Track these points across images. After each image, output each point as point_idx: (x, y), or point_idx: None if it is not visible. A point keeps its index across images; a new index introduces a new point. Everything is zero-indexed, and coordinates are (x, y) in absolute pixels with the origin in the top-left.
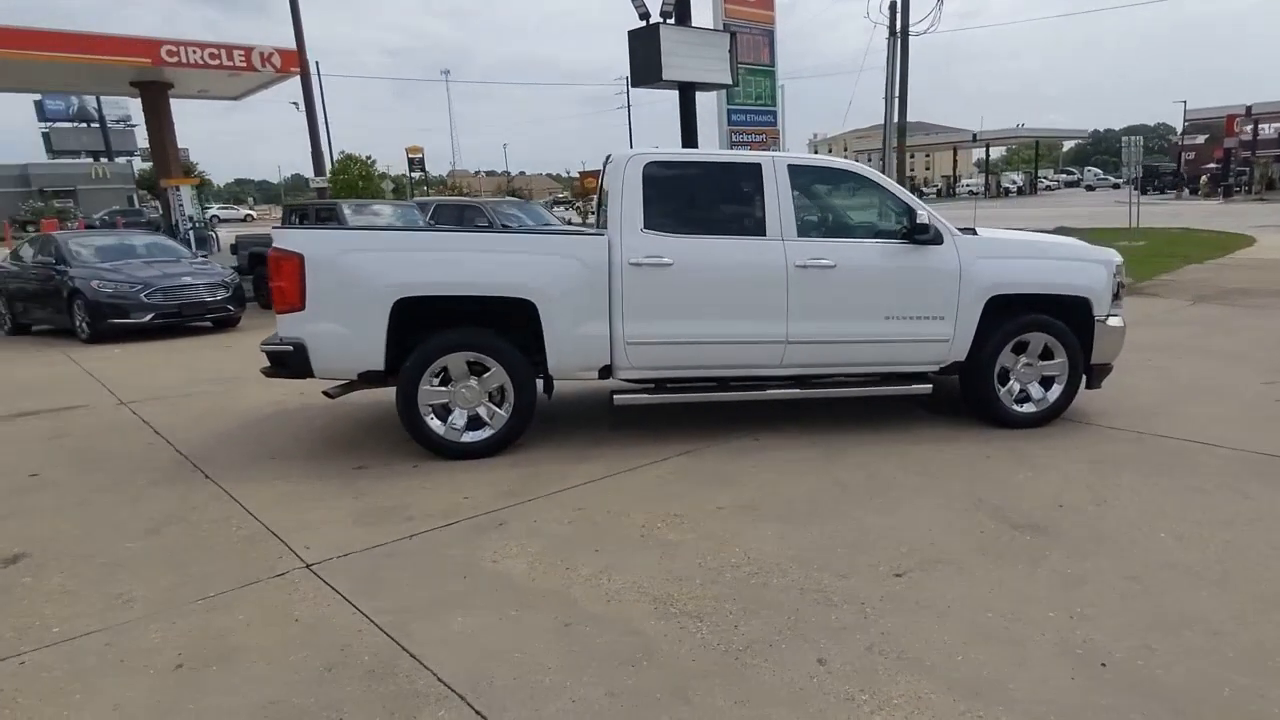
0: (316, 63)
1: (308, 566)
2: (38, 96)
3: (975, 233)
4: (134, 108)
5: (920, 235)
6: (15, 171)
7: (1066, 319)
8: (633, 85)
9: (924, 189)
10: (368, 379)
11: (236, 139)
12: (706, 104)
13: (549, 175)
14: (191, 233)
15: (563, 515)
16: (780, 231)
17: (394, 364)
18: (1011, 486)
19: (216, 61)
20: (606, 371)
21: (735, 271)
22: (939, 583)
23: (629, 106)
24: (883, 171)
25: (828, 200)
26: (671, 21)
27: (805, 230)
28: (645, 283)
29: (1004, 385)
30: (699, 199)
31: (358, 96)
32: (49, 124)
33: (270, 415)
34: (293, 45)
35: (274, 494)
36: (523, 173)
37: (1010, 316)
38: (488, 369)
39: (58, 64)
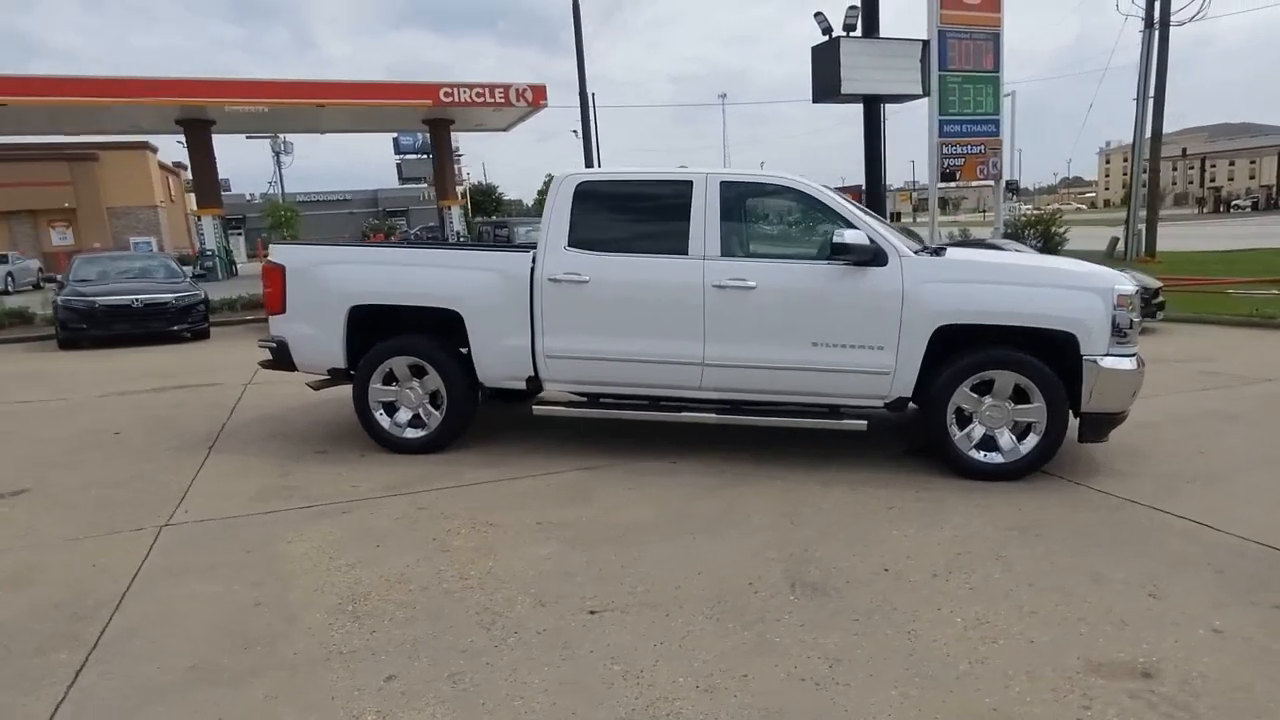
0: (593, 94)
1: (161, 526)
2: (395, 134)
3: (942, 253)
4: (459, 141)
5: (842, 255)
6: (368, 195)
7: (1049, 356)
8: (813, 101)
9: (1238, 201)
10: (336, 375)
11: (547, 163)
12: (917, 117)
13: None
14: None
15: (400, 512)
16: (703, 250)
17: (356, 363)
18: (868, 541)
19: (481, 99)
20: (534, 382)
21: (650, 290)
22: (618, 627)
23: (882, 120)
24: (1130, 184)
25: (766, 218)
26: (856, 34)
27: (733, 249)
28: (563, 299)
29: (963, 429)
30: (627, 218)
31: (642, 122)
32: (401, 156)
33: (317, 404)
34: (543, 82)
35: (232, 465)
36: None
37: (975, 350)
38: (427, 373)
39: (367, 109)
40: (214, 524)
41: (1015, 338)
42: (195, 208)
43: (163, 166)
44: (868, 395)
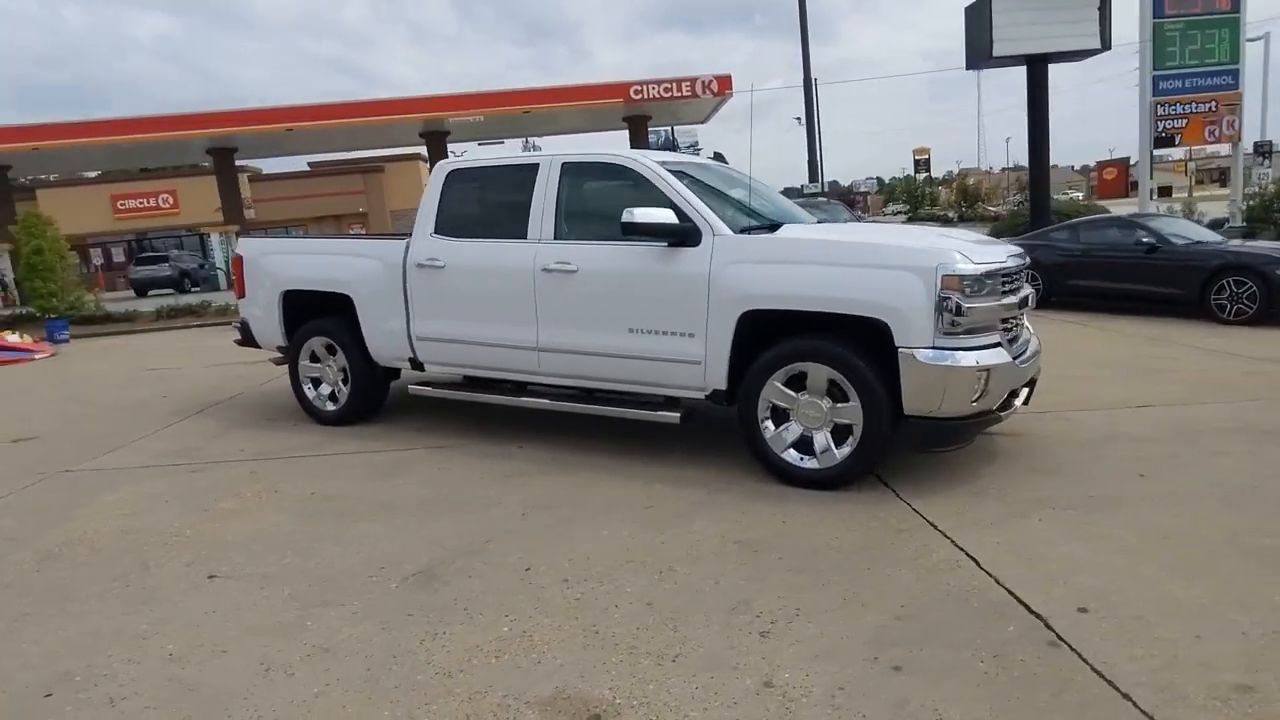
0: (815, 79)
1: (62, 471)
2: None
3: (775, 229)
4: (700, 134)
5: (633, 236)
6: None
7: (877, 349)
8: (966, 68)
9: None
10: (283, 351)
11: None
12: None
13: (1074, 168)
14: None
15: (232, 475)
16: (539, 233)
17: None
18: (559, 539)
19: (669, 94)
20: (414, 363)
21: (492, 275)
22: (212, 593)
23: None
24: None
25: (607, 199)
26: None
27: (565, 233)
28: (426, 283)
29: (779, 426)
30: (486, 204)
31: (892, 101)
32: None
33: None
34: (728, 72)
35: (186, 428)
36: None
37: (789, 340)
38: (337, 352)
39: (568, 111)
40: (89, 473)
41: (836, 326)
42: None
43: None
44: (685, 386)
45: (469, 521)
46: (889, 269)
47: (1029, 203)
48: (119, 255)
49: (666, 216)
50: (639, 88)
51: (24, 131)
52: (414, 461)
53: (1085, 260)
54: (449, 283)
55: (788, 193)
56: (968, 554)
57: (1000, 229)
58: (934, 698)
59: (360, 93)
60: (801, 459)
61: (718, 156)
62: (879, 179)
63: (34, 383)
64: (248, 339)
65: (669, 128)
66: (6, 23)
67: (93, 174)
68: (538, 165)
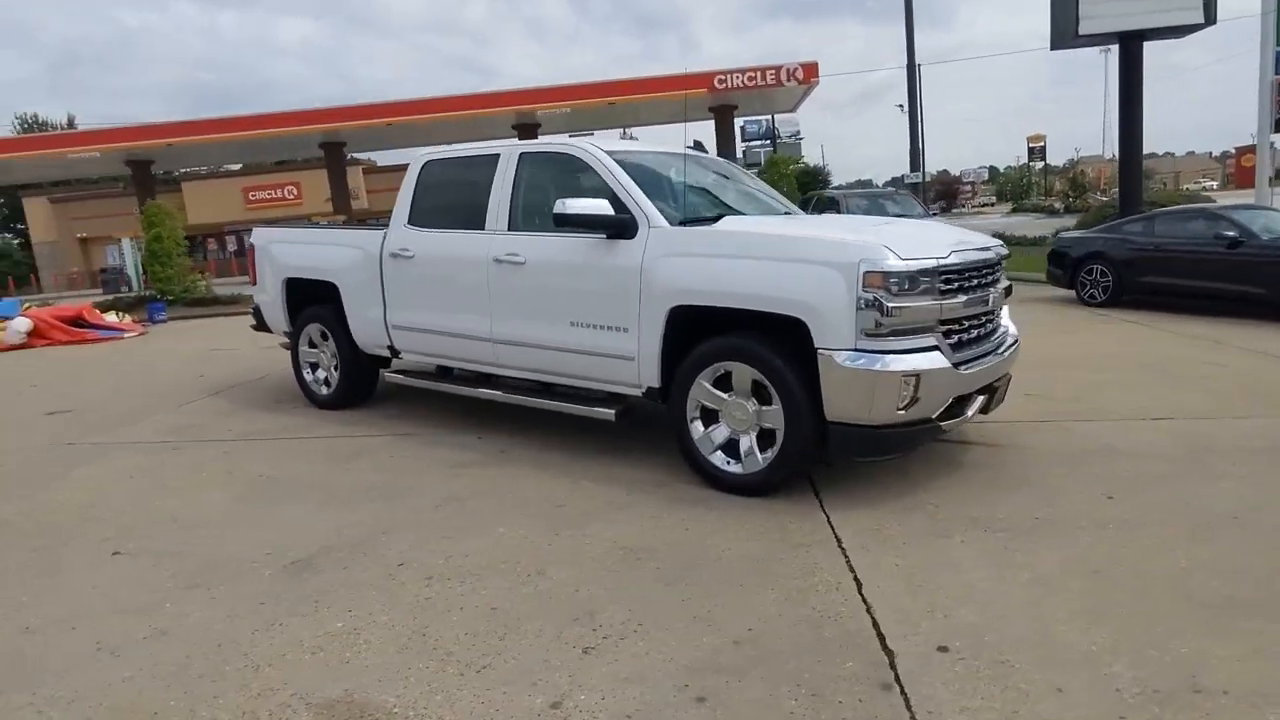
0: (919, 65)
1: (70, 444)
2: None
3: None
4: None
5: (565, 227)
6: None
7: (796, 347)
8: (1051, 48)
9: None
10: (289, 336)
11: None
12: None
13: (1212, 155)
14: None
15: (204, 456)
16: (496, 224)
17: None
18: (445, 537)
19: (754, 82)
20: (393, 351)
21: (454, 266)
22: (104, 569)
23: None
24: None
25: (560, 190)
26: None
27: (518, 223)
28: (398, 274)
29: (708, 428)
30: (453, 195)
31: (1010, 86)
32: (747, 143)
33: None
34: (814, 59)
35: (199, 406)
36: (1170, 154)
37: (716, 338)
38: (329, 338)
39: (654, 102)
40: (88, 446)
41: (761, 324)
42: None
43: None
44: (622, 382)
45: (384, 511)
46: (810, 264)
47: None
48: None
49: (600, 207)
50: (723, 77)
51: (162, 129)
52: (376, 448)
53: (1159, 255)
54: (417, 273)
55: (890, 184)
56: (855, 576)
57: (1088, 220)
58: None
59: (481, 88)
60: (728, 462)
61: (697, 145)
62: (992, 168)
63: (107, 359)
64: (260, 324)
65: (769, 116)
66: (171, 28)
67: (235, 167)
68: (498, 156)
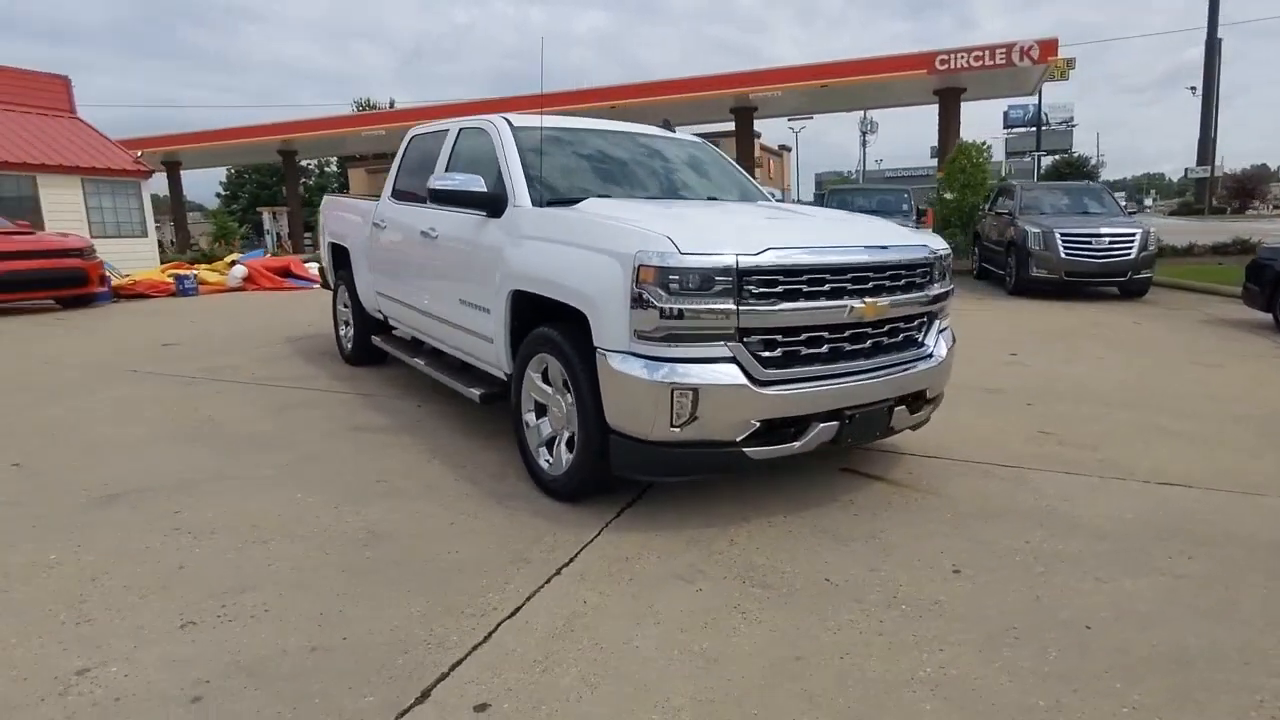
0: (1219, 40)
1: (133, 371)
2: (1005, 106)
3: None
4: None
5: (437, 201)
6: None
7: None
8: None
9: None
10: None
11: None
12: None
13: None
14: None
15: (203, 392)
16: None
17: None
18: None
19: (980, 63)
20: (381, 314)
21: (402, 238)
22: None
23: None
24: None
25: (482, 163)
26: None
27: None
28: (375, 242)
29: (539, 420)
30: (419, 168)
31: None
32: (1009, 129)
33: None
34: (1054, 35)
35: (269, 352)
36: None
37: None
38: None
39: (871, 84)
40: (147, 374)
41: (578, 316)
42: None
43: (765, 149)
44: (492, 365)
45: (240, 460)
46: (598, 253)
47: None
48: None
49: (469, 183)
50: (944, 57)
51: (423, 112)
52: (320, 404)
53: None
54: (385, 241)
55: (1151, 181)
56: (523, 604)
57: None
58: None
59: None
60: (549, 462)
61: (665, 124)
62: None
63: (273, 304)
64: (325, 283)
65: (1034, 101)
66: (490, 22)
67: None
68: (447, 130)
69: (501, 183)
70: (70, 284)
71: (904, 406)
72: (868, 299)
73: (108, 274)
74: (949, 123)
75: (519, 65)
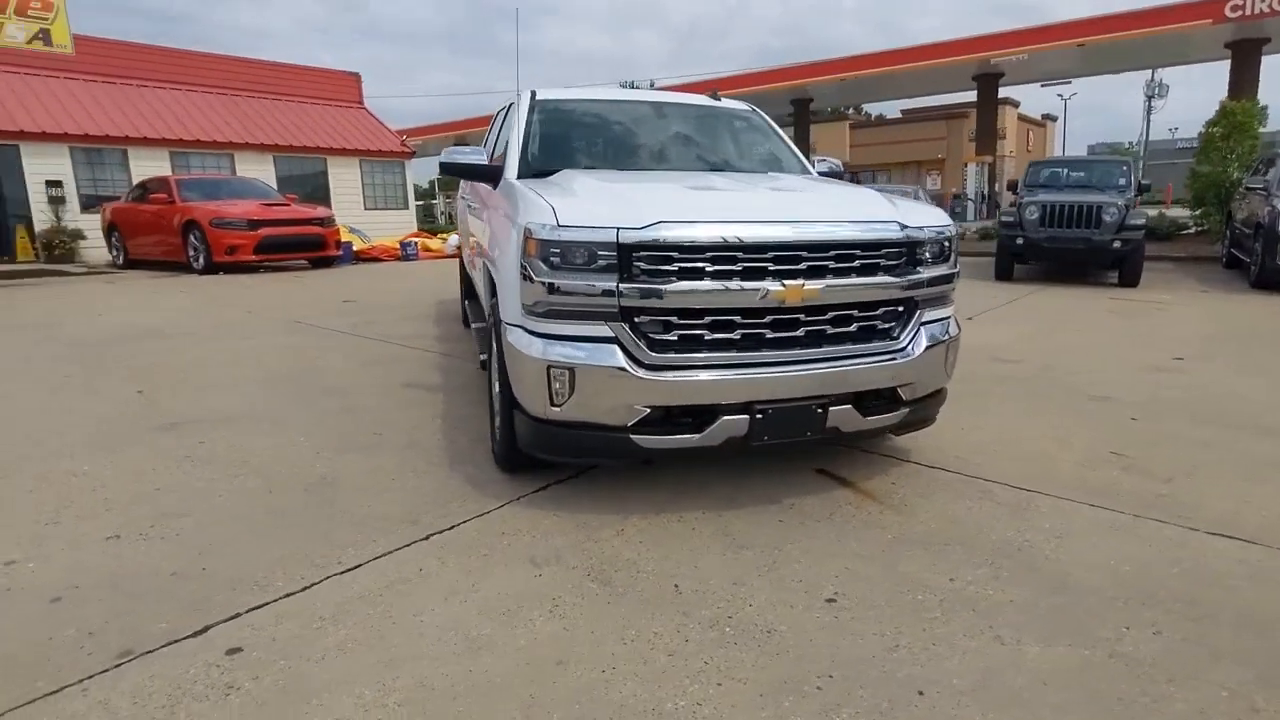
0: None
1: (297, 321)
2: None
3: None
4: None
5: (442, 173)
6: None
7: None
8: None
9: None
10: None
11: None
12: None
13: None
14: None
15: (317, 343)
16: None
17: None
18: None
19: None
20: None
21: (465, 206)
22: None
23: None
24: None
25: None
26: None
27: None
28: (465, 211)
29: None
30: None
31: None
32: None
33: None
34: None
35: (418, 312)
36: None
37: None
38: None
39: (1137, 40)
40: (301, 324)
41: None
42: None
43: (1024, 119)
44: None
45: (291, 406)
46: (510, 224)
47: None
48: None
49: (472, 155)
50: (1238, 3)
51: (821, 67)
52: (410, 361)
53: None
54: (464, 210)
55: None
56: (357, 566)
57: None
58: None
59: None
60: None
61: (712, 95)
62: None
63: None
64: None
65: None
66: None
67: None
68: (509, 106)
69: (505, 156)
70: (313, 247)
71: (849, 406)
72: (793, 281)
73: (344, 239)
74: (1243, 81)
75: (784, 42)
